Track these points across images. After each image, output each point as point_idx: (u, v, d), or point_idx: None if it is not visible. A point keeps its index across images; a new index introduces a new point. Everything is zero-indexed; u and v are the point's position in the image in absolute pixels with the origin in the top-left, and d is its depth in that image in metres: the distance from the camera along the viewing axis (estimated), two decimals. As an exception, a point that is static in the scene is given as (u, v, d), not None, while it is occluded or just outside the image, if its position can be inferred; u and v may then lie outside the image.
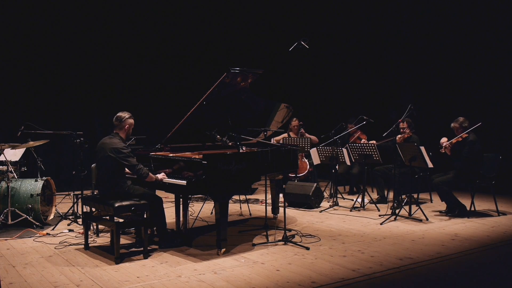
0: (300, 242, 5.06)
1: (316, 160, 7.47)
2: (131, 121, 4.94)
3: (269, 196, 6.58)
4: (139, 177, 4.81)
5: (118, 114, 4.92)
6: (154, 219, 4.94)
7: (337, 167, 7.63)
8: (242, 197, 7.58)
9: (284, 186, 5.41)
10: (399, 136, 6.92)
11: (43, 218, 5.94)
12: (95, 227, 5.55)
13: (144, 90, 9.98)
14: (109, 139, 4.82)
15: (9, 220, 5.69)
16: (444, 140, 6.50)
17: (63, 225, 5.91)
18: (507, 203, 7.35)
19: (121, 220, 4.74)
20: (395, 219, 6.15)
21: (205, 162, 4.55)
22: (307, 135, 8.10)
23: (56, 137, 7.90)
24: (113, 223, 4.54)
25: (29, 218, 5.76)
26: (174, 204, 5.61)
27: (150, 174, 4.80)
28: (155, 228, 5.17)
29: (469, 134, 6.35)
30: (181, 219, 5.45)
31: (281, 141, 7.67)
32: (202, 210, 6.71)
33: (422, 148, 6.19)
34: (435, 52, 9.29)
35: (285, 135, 8.16)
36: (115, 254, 4.45)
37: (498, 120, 8.50)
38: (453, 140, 6.42)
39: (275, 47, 10.38)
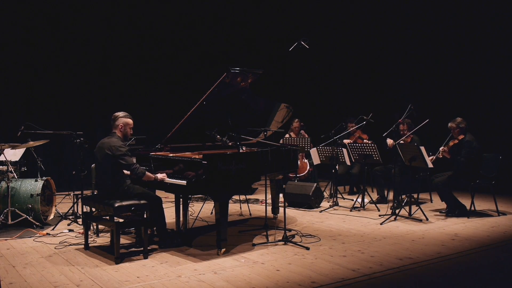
0: (300, 242, 5.06)
1: (316, 160, 7.48)
2: (126, 120, 4.90)
3: (269, 196, 6.58)
4: (135, 176, 4.81)
5: (113, 114, 4.94)
6: (153, 219, 4.94)
7: (337, 167, 7.63)
8: (242, 197, 7.57)
9: (284, 186, 5.42)
10: (402, 140, 6.87)
11: (43, 218, 5.94)
12: (95, 227, 5.56)
13: (145, 90, 9.97)
14: (107, 139, 4.83)
15: (9, 220, 5.69)
16: (441, 149, 6.52)
17: (63, 225, 5.91)
18: (507, 203, 7.35)
19: (121, 220, 4.74)
20: (395, 219, 6.15)
21: (205, 162, 4.55)
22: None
23: (56, 137, 7.88)
24: (113, 223, 4.54)
25: (29, 218, 5.76)
26: (174, 204, 5.61)
27: (148, 173, 4.79)
28: (155, 228, 5.17)
29: (465, 135, 6.36)
30: (181, 219, 5.46)
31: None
32: (202, 210, 6.71)
33: (422, 148, 6.19)
34: (436, 52, 9.28)
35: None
36: (115, 254, 4.45)
37: (498, 120, 8.51)
38: (450, 143, 6.43)
39: (275, 47, 10.37)
